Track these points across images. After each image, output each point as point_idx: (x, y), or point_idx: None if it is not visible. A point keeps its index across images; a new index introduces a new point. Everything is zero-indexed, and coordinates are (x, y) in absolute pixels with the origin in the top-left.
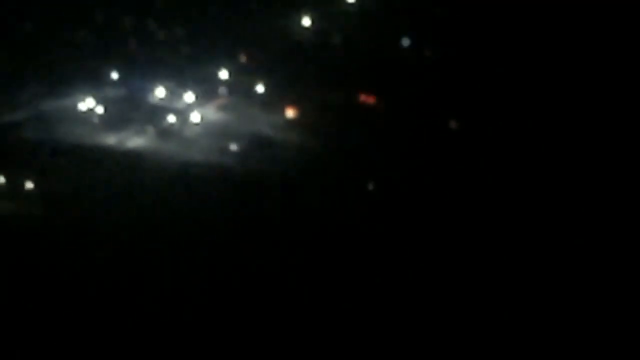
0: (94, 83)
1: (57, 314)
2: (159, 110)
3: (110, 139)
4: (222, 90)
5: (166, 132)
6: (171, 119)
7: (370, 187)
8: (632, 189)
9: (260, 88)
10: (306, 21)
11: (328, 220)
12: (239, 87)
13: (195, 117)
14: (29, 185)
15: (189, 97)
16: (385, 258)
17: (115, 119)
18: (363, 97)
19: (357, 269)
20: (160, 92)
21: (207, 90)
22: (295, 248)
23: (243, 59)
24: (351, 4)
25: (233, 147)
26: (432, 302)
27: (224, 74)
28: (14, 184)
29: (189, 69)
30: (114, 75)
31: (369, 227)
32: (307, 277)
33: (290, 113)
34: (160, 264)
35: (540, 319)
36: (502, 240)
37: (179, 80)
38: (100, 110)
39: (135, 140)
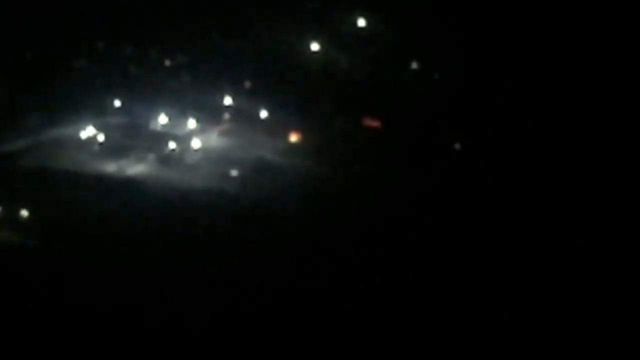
0: (95, 111)
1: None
2: (161, 137)
3: (111, 167)
4: (225, 116)
5: (167, 159)
6: (173, 145)
7: (375, 211)
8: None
9: (263, 113)
10: (314, 46)
11: (332, 244)
12: (242, 113)
13: (196, 143)
14: (29, 213)
15: (191, 123)
16: (386, 282)
17: (116, 147)
18: (368, 121)
19: (359, 291)
20: (162, 119)
21: (209, 116)
22: (299, 272)
23: (247, 85)
24: (361, 29)
25: (235, 172)
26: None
27: (227, 100)
28: (14, 212)
29: (191, 96)
30: (116, 103)
31: (372, 251)
32: (311, 302)
33: (293, 138)
34: (161, 289)
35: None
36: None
37: (181, 107)
38: (101, 138)
39: (136, 168)
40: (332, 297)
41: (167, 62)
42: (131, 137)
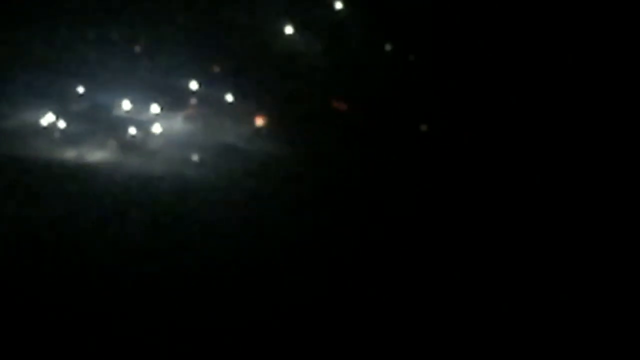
0: (56, 97)
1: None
2: (123, 123)
3: (71, 153)
4: (190, 100)
5: (128, 145)
6: (135, 131)
7: (343, 194)
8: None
9: (229, 97)
10: (288, 29)
11: (296, 231)
12: (208, 97)
13: (157, 128)
14: None
15: (155, 108)
16: (362, 266)
17: (77, 133)
18: (336, 104)
19: (329, 279)
20: (125, 104)
21: (174, 101)
22: (263, 260)
23: (214, 69)
24: (336, 11)
25: (199, 157)
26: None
27: (192, 85)
28: None
29: (155, 81)
30: (78, 89)
31: (339, 238)
32: (274, 289)
33: (259, 122)
34: (120, 279)
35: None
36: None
37: (145, 92)
38: (62, 124)
39: (97, 154)
40: (301, 284)
41: (130, 46)
42: (92, 124)
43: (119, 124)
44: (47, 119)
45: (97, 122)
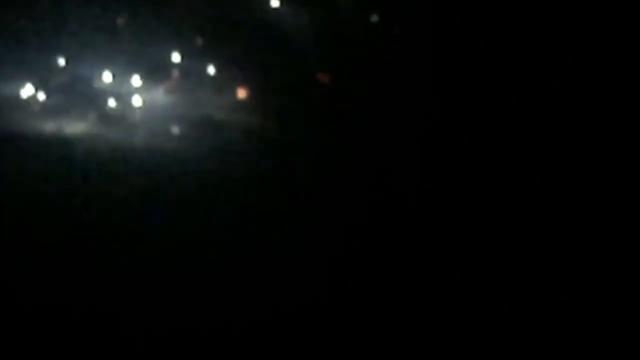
0: (36, 69)
1: None
2: (103, 95)
3: (50, 126)
4: (172, 72)
5: (108, 117)
6: (114, 103)
7: (326, 168)
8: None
9: (211, 70)
10: (274, 2)
11: (280, 202)
12: (189, 70)
13: (137, 101)
14: None
15: (136, 81)
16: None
17: (57, 105)
18: (320, 77)
19: (314, 252)
20: (106, 76)
21: (155, 73)
22: (243, 233)
23: (196, 41)
24: None
25: (179, 130)
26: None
27: (174, 57)
28: None
29: (137, 53)
30: (59, 61)
31: (322, 207)
32: (256, 265)
33: (241, 94)
34: (100, 252)
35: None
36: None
37: (126, 64)
38: (42, 96)
39: (77, 126)
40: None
41: (112, 19)
42: (73, 96)
43: (99, 96)
44: (27, 91)
45: (77, 95)
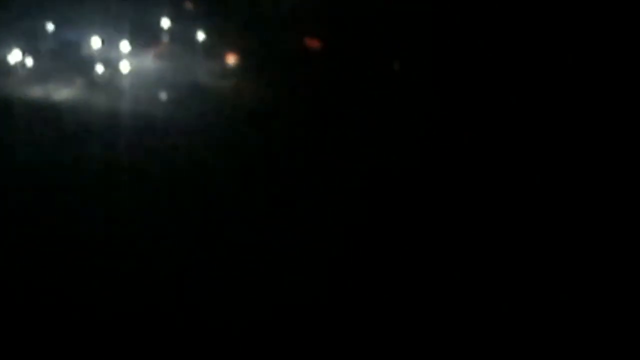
0: (24, 35)
1: None
2: (91, 61)
3: (38, 91)
4: (161, 38)
5: (96, 83)
6: (103, 68)
7: (316, 135)
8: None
9: (201, 35)
10: None
11: (270, 170)
12: (179, 35)
13: (126, 66)
14: None
15: (125, 46)
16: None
17: (44, 71)
18: (308, 42)
19: (302, 225)
20: (95, 42)
21: (144, 39)
22: (232, 199)
23: (186, 5)
24: None
25: (167, 96)
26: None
27: (164, 22)
28: None
29: (126, 18)
30: (47, 26)
31: (311, 175)
32: (242, 226)
33: (230, 60)
34: (89, 222)
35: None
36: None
37: (115, 29)
38: (29, 62)
39: (64, 92)
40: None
41: None
42: (61, 61)
43: (87, 62)
44: (14, 56)
45: (65, 60)
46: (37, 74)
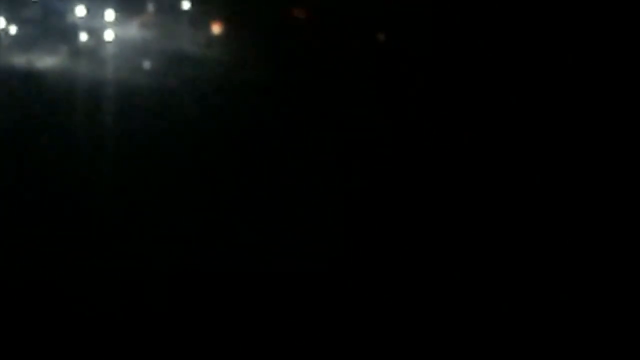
0: (7, 2)
1: None
2: (75, 29)
3: (20, 60)
4: (146, 6)
5: (80, 52)
6: (88, 37)
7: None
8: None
9: (186, 4)
10: None
11: (253, 139)
12: (164, 4)
13: (110, 35)
14: None
15: (109, 15)
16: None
17: (28, 39)
18: (296, 11)
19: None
20: (80, 10)
21: (129, 7)
22: (219, 168)
23: None
24: None
25: (151, 65)
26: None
27: None
28: None
29: None
30: None
31: (295, 145)
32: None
33: (216, 29)
34: (72, 189)
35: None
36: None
37: None
38: (12, 30)
39: (47, 61)
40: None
41: None
42: (44, 29)
43: (71, 31)
44: None
45: (49, 28)
46: (21, 42)
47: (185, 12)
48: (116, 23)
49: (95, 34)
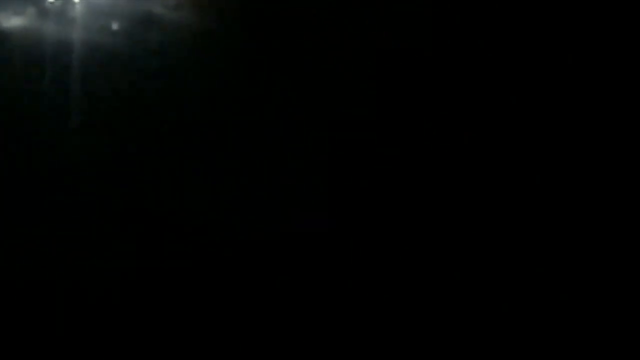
0: None
1: None
2: None
3: None
4: None
5: (47, 11)
6: None
7: (272, 69)
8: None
9: None
10: None
11: (221, 104)
12: None
13: None
14: None
15: None
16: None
17: None
18: None
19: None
20: None
21: None
22: (183, 136)
23: None
24: None
25: (120, 26)
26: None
27: None
28: None
29: None
30: None
31: (267, 113)
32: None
33: None
34: (29, 156)
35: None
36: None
37: None
38: None
39: (13, 21)
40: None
41: None
42: None
43: None
44: None
45: None
46: None
47: None
48: None
49: None
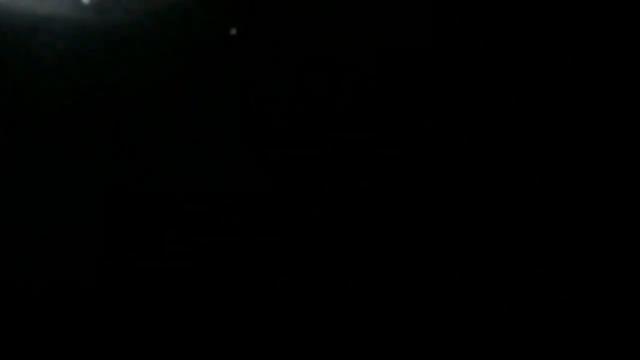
0: None
1: None
2: None
3: None
4: None
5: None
6: None
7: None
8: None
9: None
10: None
11: (206, 78)
12: None
13: None
14: None
15: None
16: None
17: None
18: None
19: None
20: None
21: None
22: (160, 105)
23: None
24: None
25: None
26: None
27: None
28: None
29: None
30: None
31: (252, 88)
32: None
33: None
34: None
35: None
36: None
37: None
38: None
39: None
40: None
41: None
42: None
43: None
44: None
45: None
46: None
47: None
48: None
49: None
